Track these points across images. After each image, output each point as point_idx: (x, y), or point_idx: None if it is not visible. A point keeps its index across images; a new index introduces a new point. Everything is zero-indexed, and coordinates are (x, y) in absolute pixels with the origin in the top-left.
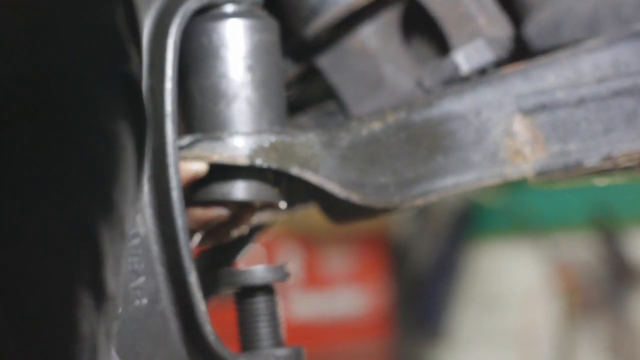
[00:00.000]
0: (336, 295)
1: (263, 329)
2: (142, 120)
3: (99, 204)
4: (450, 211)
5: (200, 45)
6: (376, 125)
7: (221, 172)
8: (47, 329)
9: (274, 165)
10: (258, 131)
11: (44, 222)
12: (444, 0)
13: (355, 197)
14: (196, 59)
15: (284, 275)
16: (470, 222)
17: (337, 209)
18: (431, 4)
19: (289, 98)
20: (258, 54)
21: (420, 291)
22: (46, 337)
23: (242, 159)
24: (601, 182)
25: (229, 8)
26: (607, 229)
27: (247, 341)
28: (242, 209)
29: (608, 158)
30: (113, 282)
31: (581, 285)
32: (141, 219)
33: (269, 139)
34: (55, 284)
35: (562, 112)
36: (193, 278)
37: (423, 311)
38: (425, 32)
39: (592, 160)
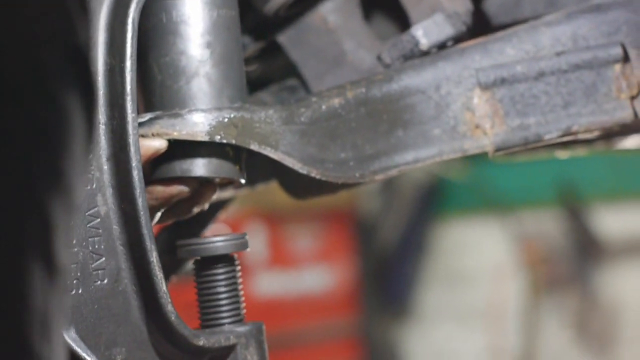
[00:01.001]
0: (302, 273)
1: (223, 303)
2: (90, 90)
3: (46, 172)
4: (416, 188)
5: (159, 21)
6: (336, 101)
7: (181, 148)
8: None
9: (233, 141)
10: (218, 108)
11: None
12: None
13: (315, 173)
14: (155, 35)
15: (242, 245)
16: (436, 198)
17: (297, 185)
18: None
19: (250, 74)
20: (217, 30)
21: (387, 268)
22: None
23: (201, 135)
24: (563, 155)
25: None
26: (572, 205)
27: (207, 317)
28: (202, 186)
29: (568, 131)
30: (64, 254)
31: (548, 261)
32: (101, 199)
33: (228, 115)
34: (1, 252)
35: (521, 86)
36: (154, 257)
37: (390, 288)
38: (386, 8)
39: (552, 134)
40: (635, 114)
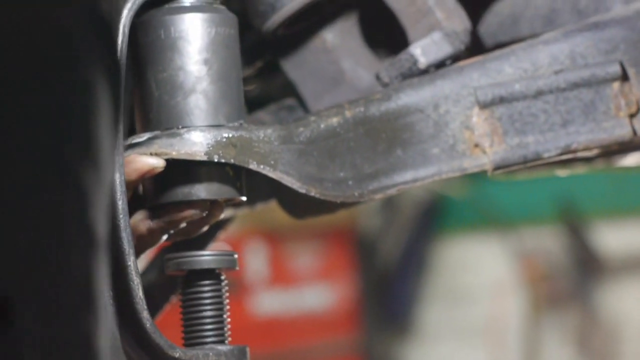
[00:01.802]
0: (303, 291)
1: (207, 322)
2: (116, 66)
3: (78, 146)
4: (416, 205)
5: (157, 37)
6: (334, 120)
7: (183, 170)
8: (37, 269)
9: (232, 160)
10: (216, 126)
11: (26, 161)
12: None
13: (314, 192)
14: (153, 51)
15: (230, 263)
16: (436, 216)
17: (296, 204)
18: None
19: (249, 94)
20: (215, 48)
21: (388, 285)
22: (36, 276)
23: (199, 155)
24: (562, 173)
25: (187, 1)
26: (572, 222)
27: (189, 335)
28: (212, 206)
29: (567, 150)
30: (102, 227)
31: (548, 278)
32: None
33: (226, 135)
34: (43, 222)
35: (520, 104)
36: (131, 262)
37: (391, 305)
38: (385, 27)
39: (550, 152)
40: (634, 132)
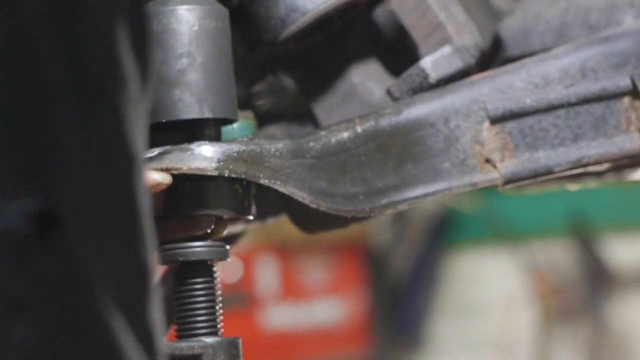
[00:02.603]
0: (314, 305)
1: (199, 313)
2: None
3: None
4: (427, 219)
5: None
6: (345, 134)
7: (191, 184)
8: (84, 183)
9: (242, 175)
10: (227, 141)
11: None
12: (414, 8)
13: (325, 207)
14: None
15: (222, 254)
16: (447, 229)
17: (307, 219)
18: (401, 12)
19: (260, 108)
20: (199, 41)
21: (399, 299)
22: (84, 191)
23: (210, 170)
24: (573, 187)
25: None
26: (583, 235)
27: (181, 327)
28: (217, 222)
29: (577, 164)
30: (140, 147)
31: (559, 291)
32: None
33: (237, 149)
34: (86, 136)
35: (530, 119)
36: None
37: (401, 319)
38: (397, 41)
39: (561, 167)
40: None
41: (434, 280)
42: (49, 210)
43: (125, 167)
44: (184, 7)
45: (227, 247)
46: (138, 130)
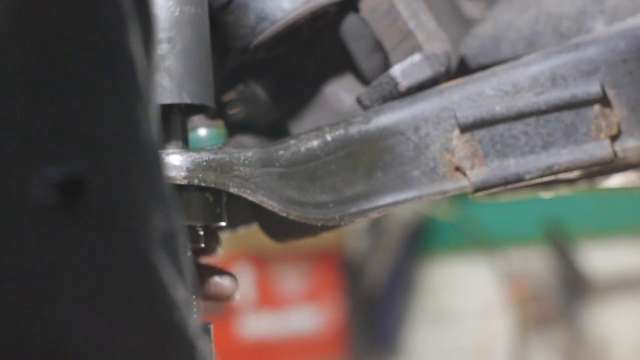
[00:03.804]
0: (290, 314)
1: None
2: (149, 25)
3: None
4: (403, 227)
5: None
6: (315, 143)
7: None
8: (110, 149)
9: (212, 184)
10: (196, 150)
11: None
12: (384, 16)
13: (294, 215)
14: None
15: (198, 239)
16: (423, 237)
17: (278, 228)
18: (371, 21)
19: (232, 117)
20: (179, 27)
21: (375, 307)
22: (110, 158)
23: (179, 178)
24: (546, 195)
25: None
26: (559, 242)
27: None
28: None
29: (548, 172)
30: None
31: (536, 299)
32: None
33: (206, 158)
34: (111, 102)
35: (501, 126)
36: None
37: (378, 327)
38: (367, 50)
39: (531, 174)
40: (615, 154)
41: (411, 288)
42: (75, 177)
43: (146, 127)
44: None
45: (201, 232)
46: (152, 87)
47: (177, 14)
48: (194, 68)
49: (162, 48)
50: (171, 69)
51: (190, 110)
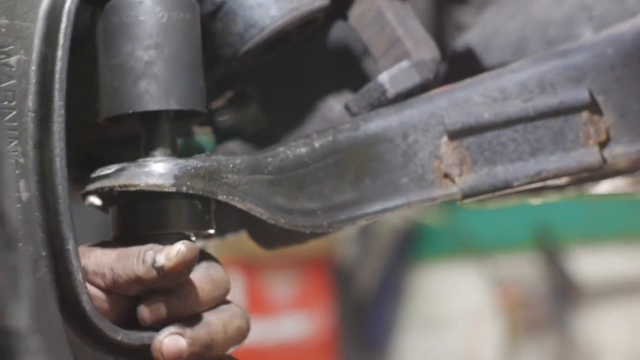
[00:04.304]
0: (280, 320)
1: None
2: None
3: None
4: (393, 233)
5: (110, 24)
6: (303, 150)
7: (151, 202)
8: None
9: (200, 191)
10: (184, 158)
11: None
12: (372, 23)
13: (283, 222)
14: (107, 38)
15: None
16: (413, 243)
17: (266, 235)
18: (360, 27)
19: (221, 124)
20: (167, 32)
21: (365, 314)
22: None
23: (168, 186)
24: (534, 201)
25: None
26: (549, 248)
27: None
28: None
29: (536, 178)
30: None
31: (525, 305)
32: (25, 185)
33: (194, 165)
34: None
35: (489, 133)
36: (71, 246)
37: (368, 334)
38: (356, 56)
39: (520, 181)
40: (604, 160)
41: (401, 294)
42: None
43: None
44: None
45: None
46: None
47: (164, 19)
48: (182, 73)
49: (150, 54)
50: (159, 75)
51: (180, 116)
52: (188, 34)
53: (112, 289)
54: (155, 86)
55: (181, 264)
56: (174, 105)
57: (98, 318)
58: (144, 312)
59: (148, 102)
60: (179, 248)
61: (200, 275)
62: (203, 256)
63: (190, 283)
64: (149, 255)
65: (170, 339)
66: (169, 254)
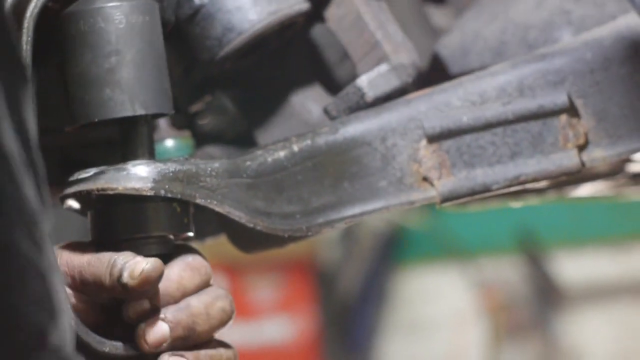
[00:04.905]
0: (263, 324)
1: None
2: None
3: None
4: (376, 236)
5: (69, 33)
6: (282, 154)
7: (129, 205)
8: None
9: (178, 195)
10: (162, 161)
11: None
12: (351, 27)
13: (261, 226)
14: (68, 47)
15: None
16: (396, 246)
17: (245, 238)
18: (338, 31)
19: (201, 128)
20: (127, 38)
21: (348, 317)
22: None
23: (146, 190)
24: (515, 204)
25: None
26: (532, 251)
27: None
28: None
29: (515, 182)
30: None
31: (508, 308)
32: None
33: (173, 169)
34: None
35: (468, 137)
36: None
37: (351, 338)
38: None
39: (499, 184)
40: (582, 164)
41: (383, 297)
42: None
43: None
44: (110, 4)
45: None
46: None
47: (122, 25)
48: (146, 77)
49: (111, 61)
50: (121, 81)
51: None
52: (149, 37)
53: (81, 292)
54: (119, 93)
55: (145, 283)
56: (139, 111)
57: (84, 332)
58: (128, 309)
59: (113, 109)
60: (143, 267)
61: (178, 264)
62: (181, 248)
63: (168, 276)
64: (117, 268)
65: (152, 326)
66: (132, 272)
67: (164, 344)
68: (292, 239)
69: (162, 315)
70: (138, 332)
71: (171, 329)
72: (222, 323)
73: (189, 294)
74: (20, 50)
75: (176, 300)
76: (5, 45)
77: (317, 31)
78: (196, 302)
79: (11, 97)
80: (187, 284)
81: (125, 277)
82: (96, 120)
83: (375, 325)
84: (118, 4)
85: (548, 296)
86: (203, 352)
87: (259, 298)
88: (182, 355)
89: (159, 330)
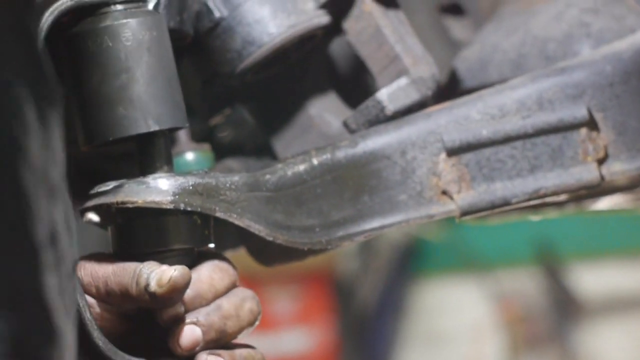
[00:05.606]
0: (281, 336)
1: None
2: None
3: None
4: (394, 248)
5: (78, 53)
6: (301, 167)
7: (151, 218)
8: None
9: (198, 209)
10: (183, 174)
11: None
12: (370, 40)
13: (281, 240)
14: (79, 66)
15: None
16: (414, 258)
17: (265, 252)
18: (358, 44)
19: (221, 140)
20: (136, 54)
21: (366, 329)
22: None
23: (166, 203)
24: (534, 218)
25: (103, 11)
26: (550, 263)
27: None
28: None
29: (535, 195)
30: (43, 232)
31: (526, 320)
32: None
33: (192, 182)
34: None
35: (487, 150)
36: (76, 282)
37: (369, 349)
38: (354, 73)
39: (518, 198)
40: (602, 177)
41: (401, 309)
42: None
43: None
44: (116, 23)
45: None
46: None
47: (130, 42)
48: (157, 93)
49: (121, 79)
50: (134, 98)
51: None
52: (157, 52)
53: (106, 301)
54: (132, 110)
55: (173, 291)
56: (153, 127)
57: (112, 352)
58: (162, 314)
59: (128, 127)
60: (171, 274)
61: (207, 266)
62: (205, 253)
63: (199, 278)
64: (143, 278)
65: (186, 329)
66: (160, 280)
67: (197, 347)
68: (312, 252)
69: (194, 319)
70: (171, 336)
71: (204, 332)
72: (250, 324)
73: (220, 295)
74: (52, 70)
75: (208, 302)
76: (37, 67)
77: (336, 44)
78: (227, 304)
79: (41, 117)
80: (218, 285)
81: (153, 286)
82: (110, 139)
83: (394, 337)
84: (124, 21)
85: (566, 308)
86: (238, 352)
87: (277, 310)
88: (219, 355)
89: (192, 334)
